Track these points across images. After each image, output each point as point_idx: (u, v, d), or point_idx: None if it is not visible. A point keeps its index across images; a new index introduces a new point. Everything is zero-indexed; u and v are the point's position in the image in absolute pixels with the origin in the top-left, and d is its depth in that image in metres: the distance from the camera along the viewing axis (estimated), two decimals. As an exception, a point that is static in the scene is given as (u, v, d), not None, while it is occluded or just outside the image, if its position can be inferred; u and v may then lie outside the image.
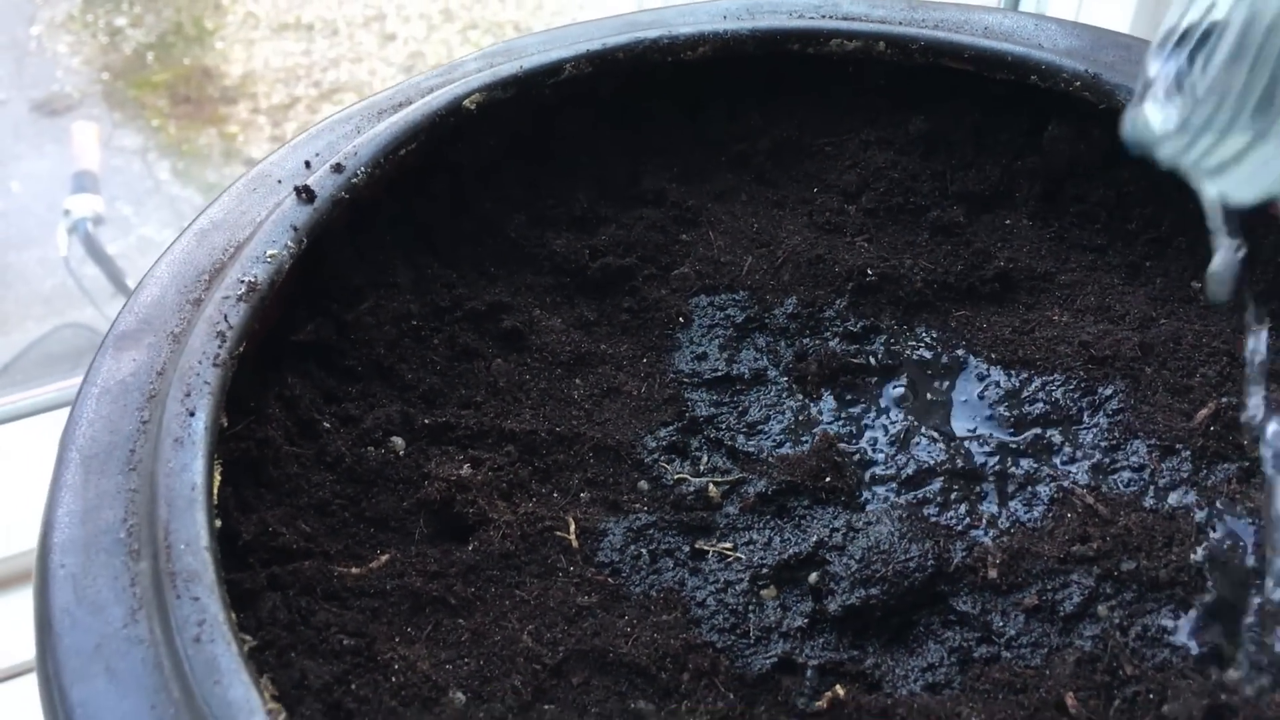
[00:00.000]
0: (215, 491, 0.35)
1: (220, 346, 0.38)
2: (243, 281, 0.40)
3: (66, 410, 0.81)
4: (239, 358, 0.38)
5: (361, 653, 0.36)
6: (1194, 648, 0.37)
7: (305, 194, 0.43)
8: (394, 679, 0.35)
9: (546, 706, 0.36)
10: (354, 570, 0.38)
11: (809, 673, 0.37)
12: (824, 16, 0.52)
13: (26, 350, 1.54)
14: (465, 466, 0.42)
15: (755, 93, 0.53)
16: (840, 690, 0.36)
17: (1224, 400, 0.42)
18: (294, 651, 0.35)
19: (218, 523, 0.34)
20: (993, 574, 0.39)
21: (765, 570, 0.40)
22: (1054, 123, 0.50)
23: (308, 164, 0.45)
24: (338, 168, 0.44)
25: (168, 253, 0.42)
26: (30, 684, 0.68)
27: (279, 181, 0.45)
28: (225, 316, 0.38)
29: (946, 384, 0.46)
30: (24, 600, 0.76)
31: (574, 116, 0.51)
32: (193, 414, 0.35)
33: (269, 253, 0.41)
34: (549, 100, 0.50)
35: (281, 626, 0.35)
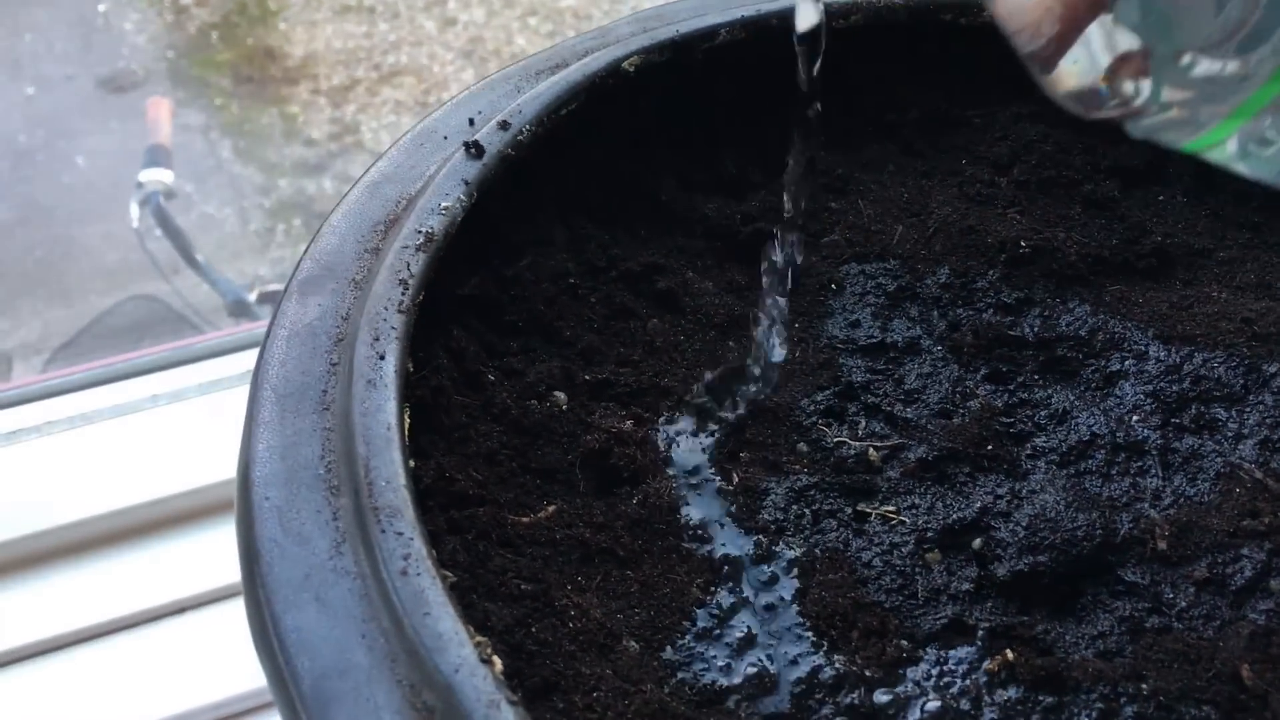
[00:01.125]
0: (406, 433, 0.35)
1: (404, 294, 0.38)
2: (420, 232, 0.40)
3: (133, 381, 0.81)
4: (419, 306, 0.39)
5: (539, 598, 0.36)
6: (1375, 625, 0.36)
7: (475, 149, 0.43)
8: (571, 625, 0.36)
9: (716, 657, 0.36)
10: (524, 519, 0.39)
11: (980, 634, 0.37)
12: (977, -13, 0.52)
13: (95, 322, 1.56)
14: (628, 422, 0.42)
15: (905, 62, 0.53)
16: (1010, 654, 0.36)
17: (1396, 380, 0.42)
18: (475, 594, 0.36)
19: (411, 463, 0.34)
20: (1162, 545, 0.39)
21: (930, 534, 0.40)
22: (1213, 99, 0.50)
23: (471, 121, 0.46)
24: (504, 125, 0.45)
25: (342, 203, 0.43)
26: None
27: (445, 138, 0.45)
28: (407, 265, 0.39)
29: (1104, 359, 0.45)
30: (109, 561, 0.77)
31: (725, 82, 0.51)
32: (382, 357, 0.36)
33: (443, 205, 0.41)
34: (702, 65, 0.50)
35: (463, 569, 0.36)
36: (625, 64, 0.48)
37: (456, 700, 0.28)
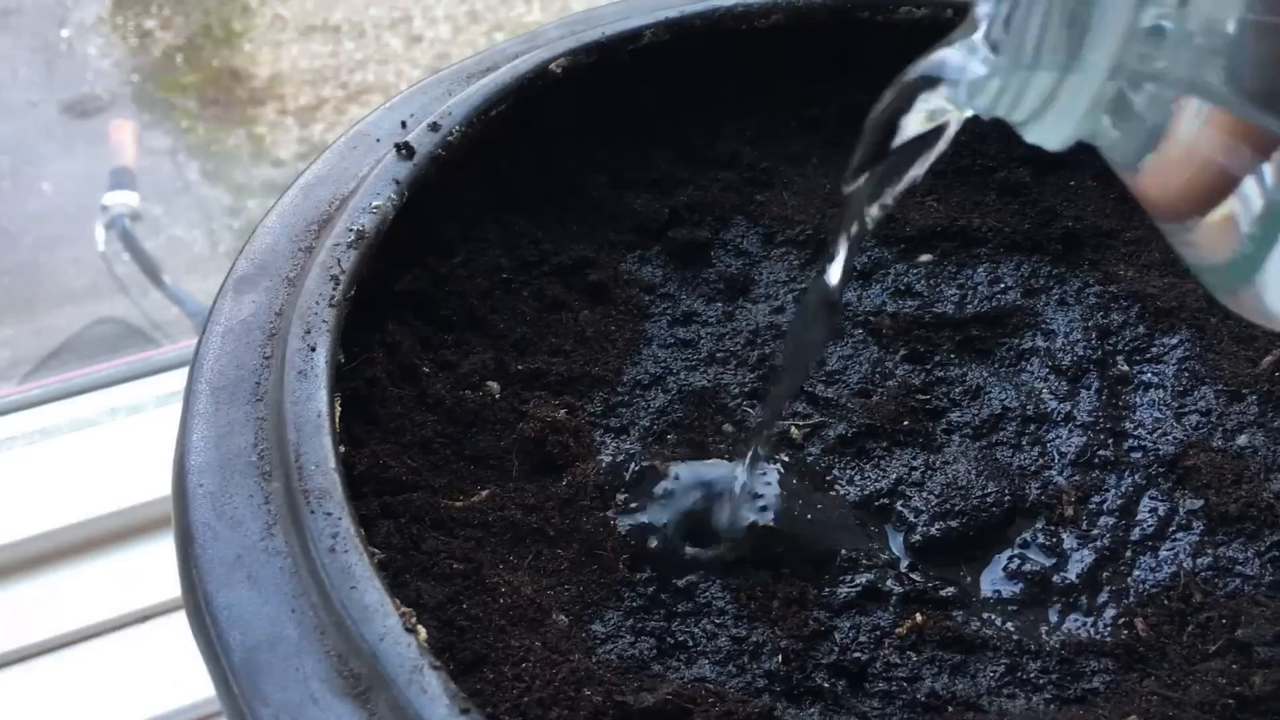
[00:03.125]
0: (337, 420, 0.37)
1: (335, 289, 0.40)
2: (351, 230, 0.42)
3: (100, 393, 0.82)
4: (351, 300, 0.40)
5: (470, 576, 0.38)
6: (1266, 577, 0.38)
7: (405, 150, 0.45)
8: (501, 601, 0.37)
9: (643, 628, 0.38)
10: (458, 503, 0.41)
11: (893, 599, 0.39)
12: (893, -15, 0.54)
13: (63, 346, 1.56)
14: (560, 411, 0.44)
15: (826, 59, 0.55)
16: (919, 617, 0.38)
17: (1289, 348, 0.44)
18: (408, 574, 0.37)
19: (345, 450, 0.36)
20: (1068, 510, 0.41)
21: (848, 504, 0.41)
22: (1118, 86, 0.52)
23: (404, 124, 0.48)
24: (434, 126, 0.46)
25: (277, 205, 0.44)
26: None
27: (377, 140, 0.47)
28: (338, 261, 0.40)
29: (1017, 337, 0.47)
30: (61, 573, 0.78)
31: (652, 81, 0.53)
32: (314, 349, 0.38)
33: (374, 204, 0.43)
34: (629, 66, 0.52)
35: (396, 550, 0.37)
36: (552, 66, 0.50)
37: (381, 667, 0.30)
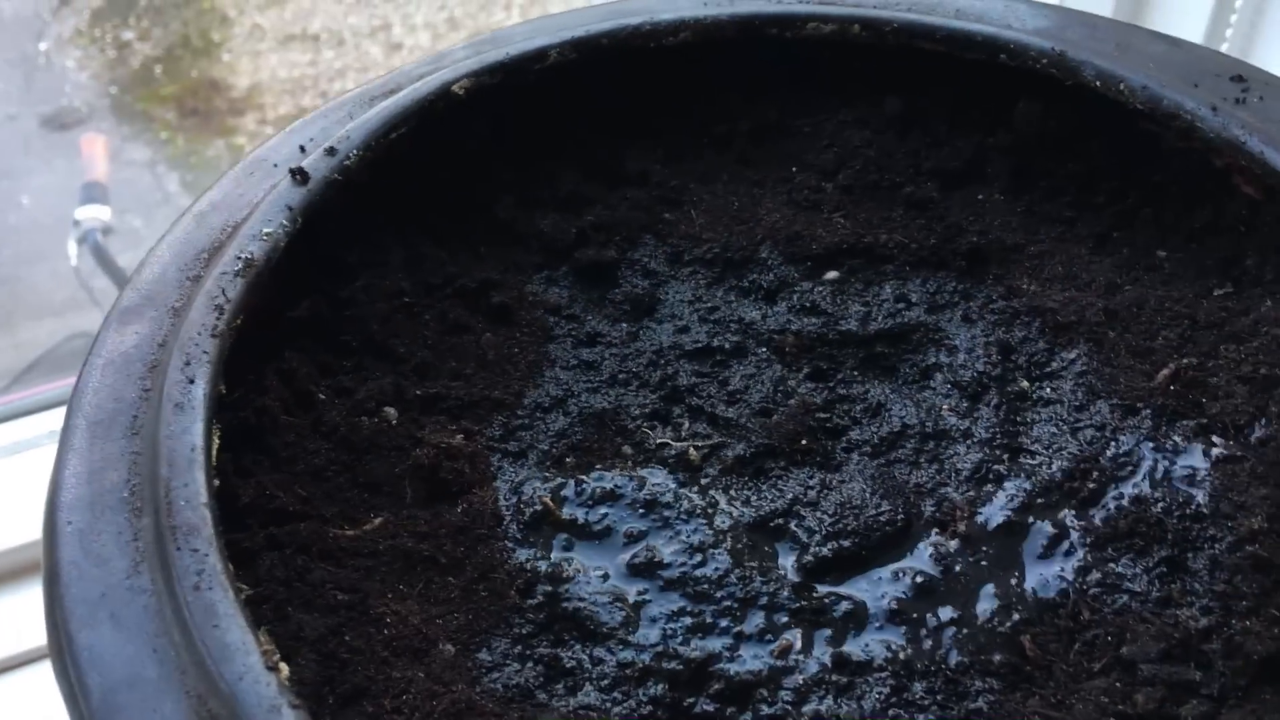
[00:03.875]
0: (214, 454, 0.36)
1: (218, 319, 0.39)
2: (239, 258, 0.41)
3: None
4: (236, 330, 0.40)
5: (355, 607, 0.37)
6: (1153, 593, 0.38)
7: (300, 176, 0.45)
8: (386, 631, 0.37)
9: (530, 655, 0.38)
10: (349, 531, 0.40)
11: (782, 621, 0.39)
12: (802, 1, 0.54)
13: (38, 361, 1.56)
14: (457, 436, 0.44)
15: (736, 76, 0.55)
16: (803, 638, 0.38)
17: (1184, 361, 0.44)
18: (290, 606, 0.37)
19: (216, 483, 0.35)
20: (961, 527, 0.41)
21: (742, 525, 0.41)
22: (1023, 100, 0.52)
23: (303, 148, 0.47)
24: (331, 151, 0.46)
25: (168, 234, 0.44)
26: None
27: (275, 165, 0.47)
28: (223, 290, 0.40)
29: (920, 353, 0.47)
30: (25, 592, 0.78)
31: (559, 101, 0.53)
32: (192, 381, 0.37)
33: (265, 231, 0.43)
34: (535, 85, 0.52)
35: (279, 583, 0.37)
36: (455, 87, 0.49)
37: (238, 706, 0.30)
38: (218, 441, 0.37)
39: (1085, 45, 0.50)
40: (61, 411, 0.83)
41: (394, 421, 0.44)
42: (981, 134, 0.54)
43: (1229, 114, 0.46)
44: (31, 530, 0.77)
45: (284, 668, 0.31)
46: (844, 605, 0.39)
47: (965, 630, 0.38)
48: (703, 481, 0.43)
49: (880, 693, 0.37)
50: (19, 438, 0.87)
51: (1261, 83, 0.48)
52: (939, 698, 0.36)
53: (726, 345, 0.48)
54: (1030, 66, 0.50)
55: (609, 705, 0.37)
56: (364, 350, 0.46)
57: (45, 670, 0.72)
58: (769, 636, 0.38)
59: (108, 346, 0.40)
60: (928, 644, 0.38)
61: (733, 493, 0.43)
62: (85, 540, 0.34)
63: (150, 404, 0.38)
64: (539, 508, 0.42)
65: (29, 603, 0.76)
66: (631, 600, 0.39)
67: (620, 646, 0.38)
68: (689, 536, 0.41)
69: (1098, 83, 0.49)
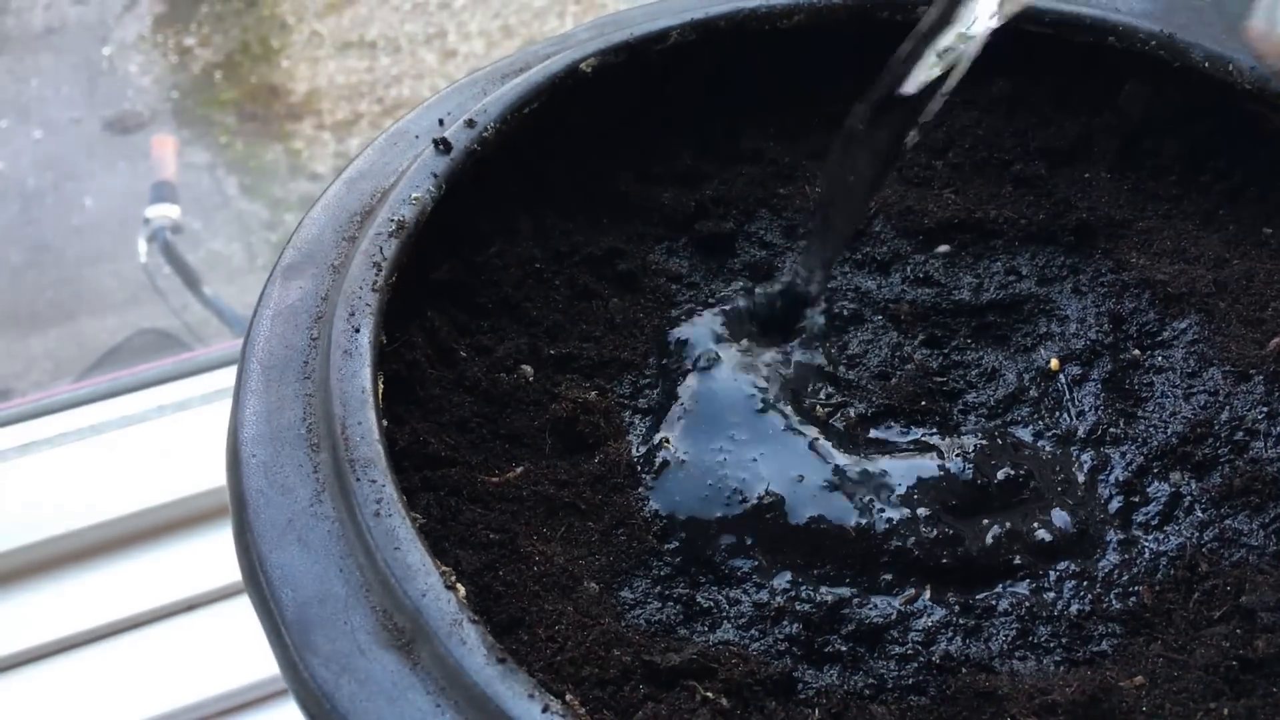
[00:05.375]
0: (380, 398, 0.39)
1: (377, 275, 0.42)
2: (392, 220, 0.44)
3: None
4: (392, 286, 0.42)
5: (506, 546, 0.40)
6: (1270, 547, 0.40)
7: (443, 145, 0.47)
8: (535, 568, 0.39)
9: (670, 595, 0.40)
10: (494, 479, 0.43)
11: (912, 567, 0.41)
12: (911, -15, 0.56)
13: (104, 357, 1.60)
14: (591, 393, 0.46)
15: (847, 58, 0.56)
16: (930, 589, 0.40)
17: (1296, 331, 0.45)
18: (447, 542, 0.39)
19: (385, 423, 0.38)
20: (1080, 487, 0.42)
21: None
22: (1130, 81, 0.54)
23: (441, 121, 0.50)
24: (470, 123, 0.48)
25: (322, 198, 0.47)
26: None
27: (416, 137, 0.49)
28: (380, 249, 0.43)
29: (1032, 323, 0.49)
30: (101, 573, 0.81)
31: (679, 80, 0.55)
32: (358, 330, 0.40)
33: (414, 195, 0.45)
34: (656, 65, 0.54)
35: (435, 520, 0.40)
36: (583, 65, 0.52)
37: (424, 621, 0.32)
38: (381, 386, 0.40)
39: (1193, 28, 0.52)
40: (137, 396, 0.87)
41: (531, 379, 0.46)
42: (1088, 114, 0.55)
43: (1339, 93, 0.48)
44: (119, 507, 0.80)
45: (461, 588, 0.34)
46: (969, 554, 0.41)
47: (1087, 580, 0.40)
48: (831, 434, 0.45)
49: (1006, 635, 0.38)
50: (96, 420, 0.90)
51: (1370, 64, 0.50)
52: (1063, 641, 0.38)
53: (844, 313, 0.50)
54: (1139, 49, 0.52)
55: (747, 642, 0.39)
56: (499, 312, 0.48)
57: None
58: (897, 589, 0.40)
59: (275, 299, 0.42)
60: (1050, 595, 0.40)
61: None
62: (270, 471, 0.36)
63: (319, 351, 0.40)
64: (668, 459, 0.44)
65: (135, 572, 0.79)
66: (762, 546, 0.41)
67: (756, 589, 0.40)
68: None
69: (1206, 64, 0.51)
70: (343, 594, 0.33)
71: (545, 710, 0.30)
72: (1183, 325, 0.47)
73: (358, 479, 0.35)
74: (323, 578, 0.34)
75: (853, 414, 0.45)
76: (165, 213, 1.57)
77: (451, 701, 0.31)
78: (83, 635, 0.76)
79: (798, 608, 0.39)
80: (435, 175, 0.46)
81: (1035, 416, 0.46)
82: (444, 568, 0.34)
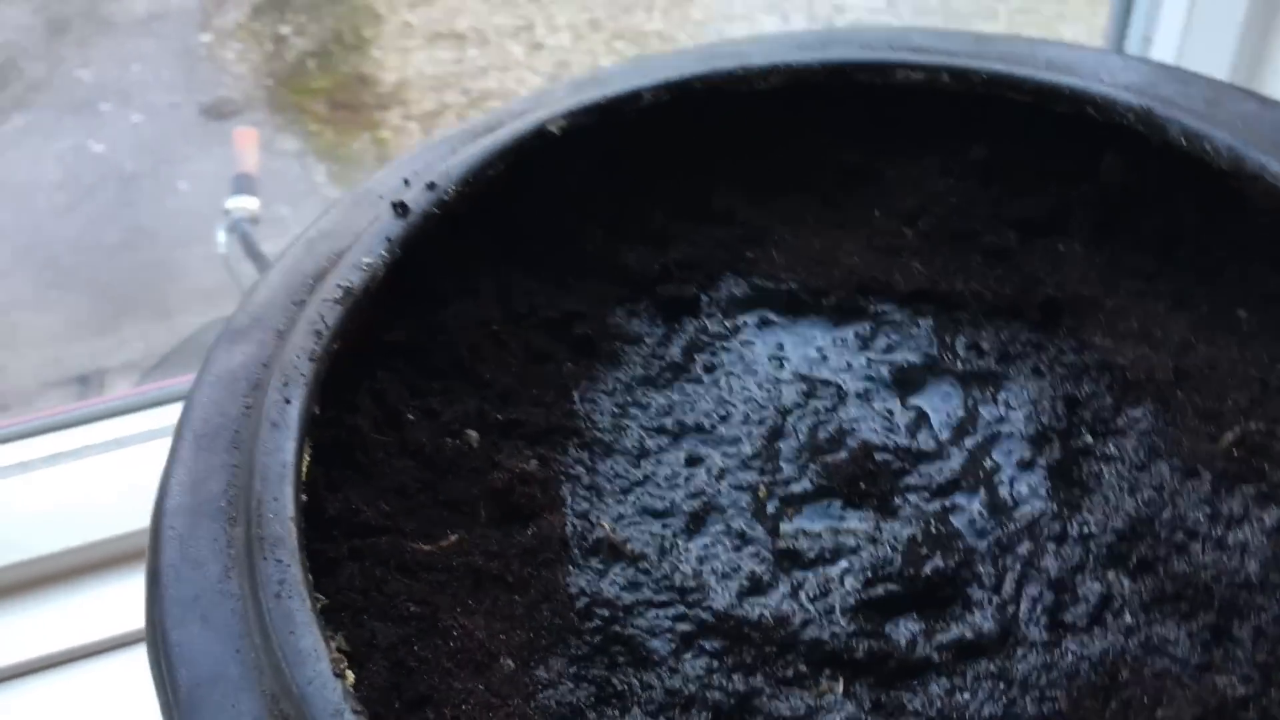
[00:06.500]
0: (305, 470, 0.40)
1: (316, 343, 0.43)
2: (340, 286, 0.45)
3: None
4: (333, 354, 0.43)
5: (426, 619, 0.40)
6: (1194, 659, 0.39)
7: (400, 208, 0.48)
8: (452, 644, 0.40)
9: (584, 675, 0.40)
10: (426, 547, 0.43)
11: (825, 662, 0.40)
12: (893, 48, 0.55)
13: (183, 344, 1.64)
14: (532, 461, 0.46)
15: (824, 120, 0.56)
16: (844, 682, 0.40)
17: (1251, 425, 0.44)
18: (366, 614, 0.40)
19: (304, 497, 0.39)
20: (1008, 583, 0.42)
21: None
22: (1110, 153, 0.52)
23: (406, 181, 0.51)
24: (431, 185, 0.49)
25: (281, 259, 0.48)
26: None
27: (380, 197, 0.50)
28: (322, 317, 0.44)
29: (984, 397, 0.48)
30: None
31: (653, 140, 0.55)
32: (289, 401, 0.41)
33: (365, 261, 0.46)
34: (630, 125, 0.54)
35: (357, 592, 0.40)
36: (551, 126, 0.52)
37: (307, 708, 0.33)
38: (309, 458, 0.40)
39: (1175, 102, 0.51)
40: (161, 411, 0.89)
41: (475, 444, 0.47)
42: (1066, 185, 0.54)
43: (1315, 178, 0.46)
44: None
45: (350, 675, 0.34)
46: (883, 650, 0.40)
47: (1003, 682, 0.39)
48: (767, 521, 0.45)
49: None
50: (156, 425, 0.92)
51: (1354, 146, 0.48)
52: (971, 745, 0.38)
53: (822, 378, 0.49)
54: (1117, 121, 0.51)
55: (654, 728, 0.39)
56: (452, 374, 0.49)
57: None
58: (809, 681, 0.40)
59: (217, 364, 0.43)
60: (964, 696, 0.39)
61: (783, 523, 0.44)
62: (185, 544, 0.37)
63: (251, 421, 0.41)
64: (602, 536, 0.44)
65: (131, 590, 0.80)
66: (681, 631, 0.41)
67: (670, 674, 0.40)
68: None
69: (1183, 140, 0.49)
70: (236, 676, 0.34)
71: (408, 811, 0.30)
72: (1137, 414, 0.46)
73: (264, 557, 0.36)
74: (219, 658, 0.35)
75: (789, 493, 0.45)
76: (244, 205, 1.60)
77: (325, 795, 0.31)
78: (78, 650, 0.78)
79: (708, 695, 0.39)
80: (390, 240, 0.47)
81: (977, 501, 0.45)
82: (336, 654, 0.34)
